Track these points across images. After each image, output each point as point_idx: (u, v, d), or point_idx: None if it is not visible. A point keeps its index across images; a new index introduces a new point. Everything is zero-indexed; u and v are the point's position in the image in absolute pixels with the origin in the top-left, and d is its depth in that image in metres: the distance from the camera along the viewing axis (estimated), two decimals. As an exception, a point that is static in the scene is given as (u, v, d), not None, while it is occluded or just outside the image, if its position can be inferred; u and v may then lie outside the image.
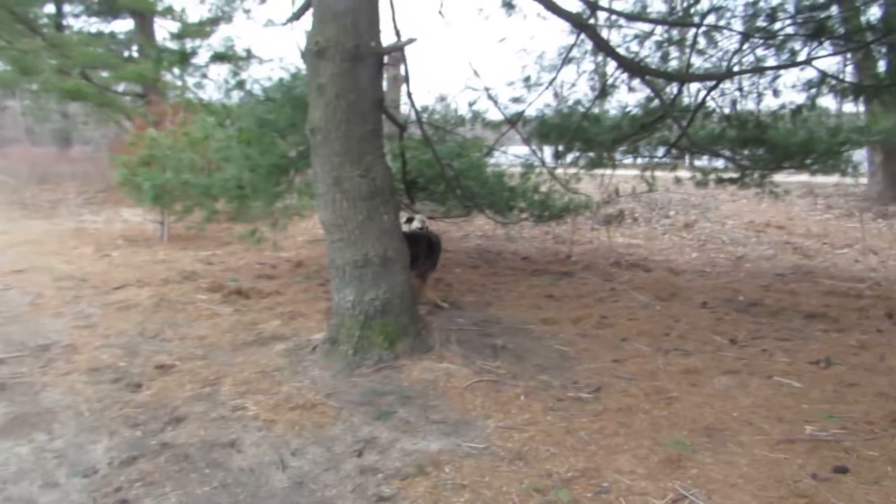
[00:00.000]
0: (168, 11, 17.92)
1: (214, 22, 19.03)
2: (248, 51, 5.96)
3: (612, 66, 6.12)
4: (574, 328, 5.37)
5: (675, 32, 5.73)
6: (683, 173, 7.68)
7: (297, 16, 5.46)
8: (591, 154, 6.85)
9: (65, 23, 23.78)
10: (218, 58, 5.85)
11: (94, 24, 26.25)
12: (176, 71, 15.58)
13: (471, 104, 7.51)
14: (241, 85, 5.89)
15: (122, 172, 6.71)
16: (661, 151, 7.30)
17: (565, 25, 5.71)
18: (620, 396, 3.88)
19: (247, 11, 16.85)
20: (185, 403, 3.68)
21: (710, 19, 5.60)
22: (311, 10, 4.43)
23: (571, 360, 4.59)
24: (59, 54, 14.76)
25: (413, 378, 4.05)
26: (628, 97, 6.11)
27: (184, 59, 5.79)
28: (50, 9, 22.95)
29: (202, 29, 19.14)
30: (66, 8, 24.82)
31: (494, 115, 7.00)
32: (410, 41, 4.57)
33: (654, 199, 12.46)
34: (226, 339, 4.92)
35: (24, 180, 19.24)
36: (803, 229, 10.66)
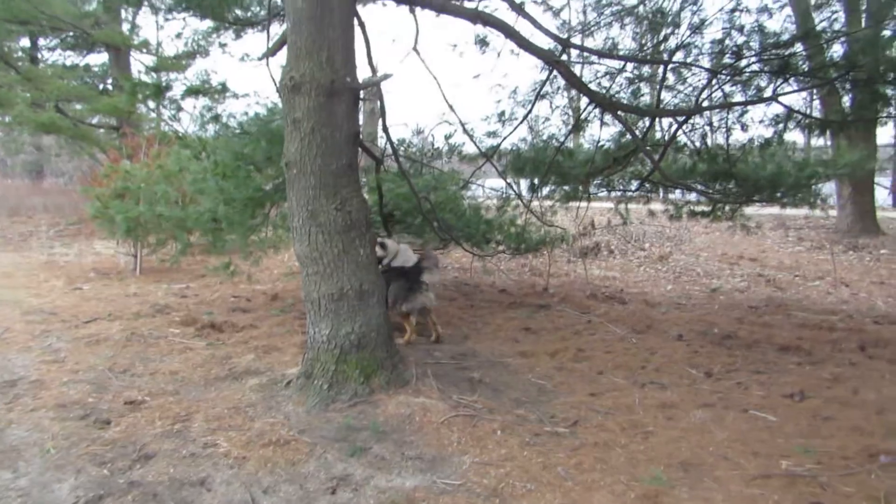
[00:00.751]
0: (144, 45, 18.01)
1: (190, 56, 19.17)
2: (224, 84, 5.99)
3: (584, 101, 6.25)
4: (551, 361, 5.36)
5: (645, 69, 5.87)
6: (657, 206, 7.80)
7: (272, 52, 5.51)
8: (566, 187, 6.93)
9: (39, 56, 23.80)
10: (193, 92, 5.85)
11: (68, 58, 26.44)
12: (151, 104, 15.63)
13: (447, 137, 7.59)
14: (216, 119, 5.89)
15: (94, 205, 6.63)
16: (634, 185, 7.42)
17: (538, 62, 5.82)
18: (597, 431, 3.87)
19: (223, 46, 16.99)
20: (154, 440, 3.59)
21: (679, 56, 5.76)
22: (286, 46, 4.47)
23: (548, 393, 4.58)
24: (33, 87, 14.73)
25: (389, 413, 4.01)
26: (601, 132, 6.19)
27: (159, 92, 5.77)
28: (25, 42, 23.00)
29: (178, 63, 19.29)
30: (41, 41, 24.95)
31: (471, 148, 7.07)
32: (386, 77, 4.62)
33: (629, 232, 12.61)
34: (198, 373, 4.83)
35: (-5, 212, 18.95)
36: (776, 261, 10.85)
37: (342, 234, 4.31)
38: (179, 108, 6.26)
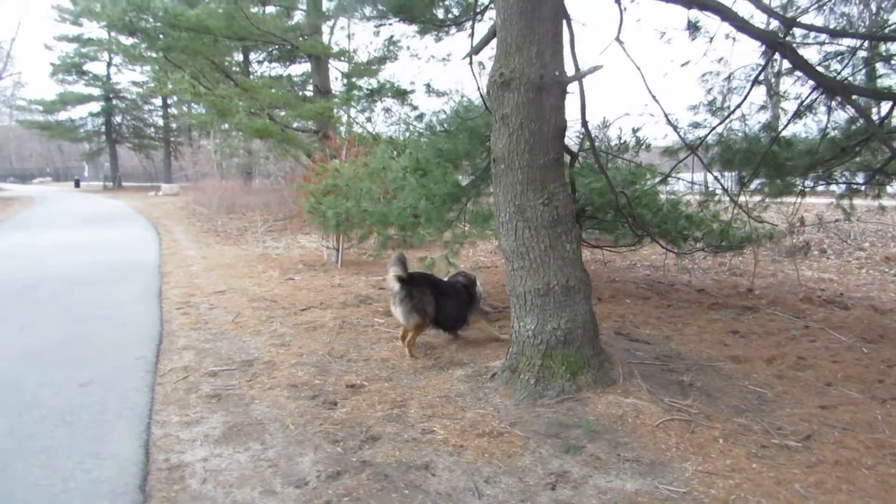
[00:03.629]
0: (342, 53, 19.34)
1: (381, 61, 20.33)
2: (428, 85, 6.23)
3: (807, 86, 5.67)
4: (768, 368, 4.94)
5: (885, 47, 5.16)
6: (888, 202, 6.87)
7: (476, 50, 5.61)
8: (780, 181, 6.33)
9: (251, 69, 26.71)
10: (399, 93, 6.17)
11: (273, 69, 29.50)
12: (349, 107, 16.78)
13: (635, 130, 7.27)
14: (420, 118, 6.16)
15: (309, 201, 7.24)
16: (860, 177, 6.60)
17: (755, 46, 5.37)
18: (836, 448, 3.49)
19: (420, 49, 17.82)
20: (377, 423, 3.81)
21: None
22: (491, 44, 4.53)
23: (770, 402, 4.22)
24: (248, 97, 16.42)
25: (599, 412, 3.92)
26: (824, 120, 5.53)
27: (372, 94, 6.16)
28: (238, 57, 25.93)
29: (369, 69, 20.56)
30: (252, 56, 28.05)
31: (671, 140, 6.72)
32: (595, 69, 4.51)
33: (843, 230, 11.32)
34: (406, 361, 5.08)
35: (216, 210, 21.48)
36: None
37: (549, 229, 4.29)
38: (381, 108, 6.62)
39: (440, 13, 6.08)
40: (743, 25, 4.84)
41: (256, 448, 3.52)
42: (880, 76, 5.19)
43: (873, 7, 5.12)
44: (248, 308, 6.98)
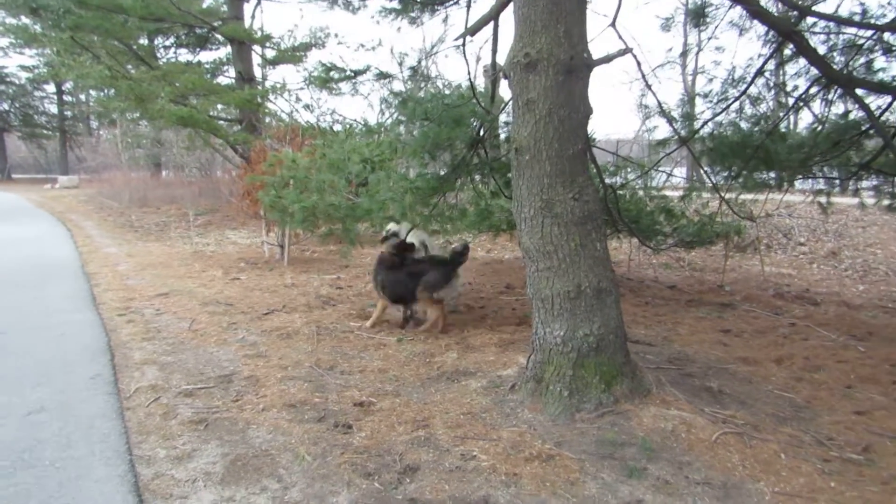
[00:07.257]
0: (267, 39, 18.27)
1: (307, 48, 19.46)
2: (414, 69, 5.72)
3: (803, 79, 5.58)
4: (780, 370, 4.79)
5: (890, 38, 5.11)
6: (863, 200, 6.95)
7: (472, 31, 5.16)
8: (767, 175, 6.25)
9: (157, 54, 25.02)
10: (382, 76, 5.62)
11: (181, 55, 27.89)
12: (279, 96, 15.82)
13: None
14: (404, 104, 5.63)
15: (268, 195, 6.54)
16: (835, 173, 6.62)
17: (759, 34, 5.20)
18: (899, 459, 3.30)
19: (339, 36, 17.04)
20: (407, 449, 3.30)
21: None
22: (515, 21, 4.09)
23: (804, 409, 4.03)
24: (167, 83, 15.14)
25: (646, 426, 3.57)
26: (827, 111, 5.45)
27: (351, 76, 5.58)
28: (142, 41, 24.22)
29: (295, 55, 19.62)
30: (157, 41, 26.37)
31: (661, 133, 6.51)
32: (626, 52, 4.16)
33: (785, 225, 11.65)
34: (407, 372, 4.57)
35: (126, 204, 19.93)
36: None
37: (579, 225, 3.91)
38: (356, 90, 5.98)
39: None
40: (757, 12, 4.64)
41: (274, 487, 2.93)
42: (879, 69, 5.14)
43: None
44: (202, 313, 6.21)
